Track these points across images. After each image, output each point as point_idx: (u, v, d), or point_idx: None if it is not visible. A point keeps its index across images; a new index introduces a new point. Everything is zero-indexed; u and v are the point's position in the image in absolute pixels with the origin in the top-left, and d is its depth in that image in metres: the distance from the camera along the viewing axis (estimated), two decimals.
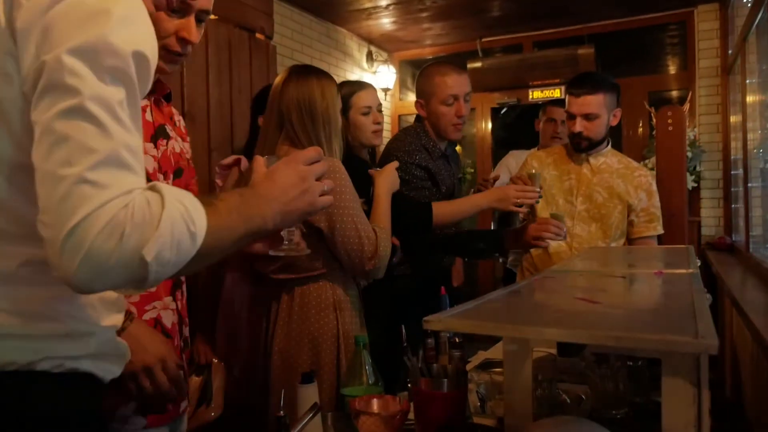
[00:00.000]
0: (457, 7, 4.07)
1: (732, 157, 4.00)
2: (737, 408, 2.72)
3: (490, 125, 5.13)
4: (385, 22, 4.40)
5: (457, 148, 5.74)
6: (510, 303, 0.91)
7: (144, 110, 1.22)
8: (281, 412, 1.15)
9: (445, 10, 4.13)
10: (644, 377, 1.24)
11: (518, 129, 3.86)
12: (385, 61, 5.04)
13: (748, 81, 3.40)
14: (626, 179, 2.19)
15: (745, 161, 3.46)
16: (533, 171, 2.10)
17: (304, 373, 1.34)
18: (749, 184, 3.43)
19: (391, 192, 1.84)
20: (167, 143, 1.28)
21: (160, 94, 1.30)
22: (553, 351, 1.29)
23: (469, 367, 1.60)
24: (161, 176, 1.23)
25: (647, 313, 0.84)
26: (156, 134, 1.25)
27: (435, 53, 5.06)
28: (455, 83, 2.26)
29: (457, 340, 1.40)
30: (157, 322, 1.22)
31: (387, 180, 1.82)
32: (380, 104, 2.19)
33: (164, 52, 1.16)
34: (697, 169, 4.17)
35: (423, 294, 2.26)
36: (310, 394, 1.31)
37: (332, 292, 1.70)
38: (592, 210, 2.18)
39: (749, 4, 3.34)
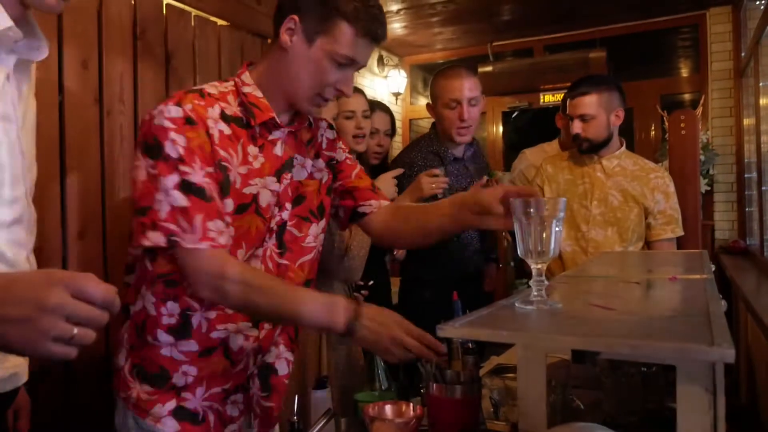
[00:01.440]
0: (468, 11, 4.07)
1: (745, 160, 3.97)
2: (752, 413, 2.69)
3: (501, 129, 5.12)
4: (396, 27, 4.41)
5: None
6: (525, 309, 0.92)
7: (274, 144, 1.25)
8: (295, 417, 1.16)
9: (455, 15, 4.14)
10: (659, 383, 1.23)
11: (529, 132, 3.85)
12: (396, 66, 5.06)
13: (761, 83, 3.38)
14: (642, 181, 2.17)
15: (759, 164, 3.43)
16: (498, 173, 2.16)
17: (317, 378, 1.35)
18: (763, 188, 3.40)
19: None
20: (290, 175, 1.29)
21: (298, 126, 1.31)
22: (567, 356, 1.29)
23: (482, 372, 1.60)
24: (276, 209, 1.26)
25: (662, 321, 0.84)
26: (282, 168, 1.27)
27: (446, 57, 5.07)
28: (457, 87, 2.27)
29: (470, 345, 1.41)
30: (223, 343, 1.25)
31: (386, 189, 1.87)
32: (366, 110, 2.18)
33: (318, 98, 1.24)
34: (711, 172, 4.14)
35: (438, 299, 2.27)
36: (323, 400, 1.31)
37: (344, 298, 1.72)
38: (607, 214, 2.17)
39: (762, 7, 3.32)
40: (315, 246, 1.36)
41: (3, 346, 0.64)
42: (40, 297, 0.62)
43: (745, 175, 4.02)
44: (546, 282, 0.92)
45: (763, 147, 3.40)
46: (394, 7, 3.99)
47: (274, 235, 1.28)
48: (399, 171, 2.09)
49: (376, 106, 2.49)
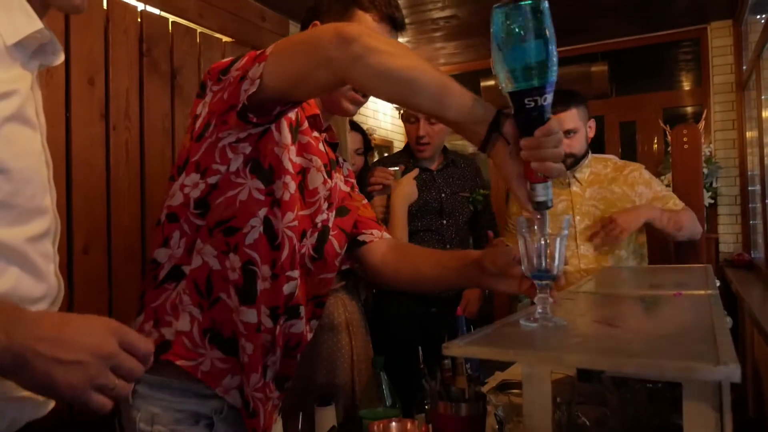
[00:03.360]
0: (471, 26, 4.10)
1: (749, 173, 3.97)
2: (760, 427, 2.67)
3: None
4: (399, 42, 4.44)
5: None
6: (529, 327, 0.92)
7: (318, 141, 1.26)
8: None
9: (458, 30, 4.17)
10: (664, 399, 1.23)
11: None
12: None
13: (763, 96, 3.39)
14: (619, 182, 2.14)
15: (763, 177, 3.43)
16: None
17: (321, 396, 1.35)
18: (767, 200, 3.40)
19: (408, 202, 1.88)
20: (337, 177, 1.30)
21: (330, 139, 1.33)
22: (572, 373, 1.28)
23: (486, 388, 1.60)
24: (325, 204, 1.24)
25: (667, 338, 0.84)
26: (329, 165, 1.28)
27: (449, 72, 5.09)
28: None
29: (468, 369, 1.39)
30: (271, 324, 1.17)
31: (403, 191, 1.88)
32: (360, 149, 2.32)
33: (352, 92, 1.25)
34: (714, 185, 4.14)
35: (408, 309, 2.27)
36: (327, 417, 1.31)
37: (343, 310, 1.72)
38: (593, 227, 2.13)
39: (762, 21, 3.34)
40: (338, 267, 1.32)
41: (47, 387, 0.63)
42: (96, 344, 0.62)
43: (749, 188, 4.02)
44: (551, 299, 0.93)
45: (766, 159, 3.40)
46: None
47: (317, 234, 1.23)
48: (415, 172, 2.09)
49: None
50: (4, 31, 0.78)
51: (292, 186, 1.15)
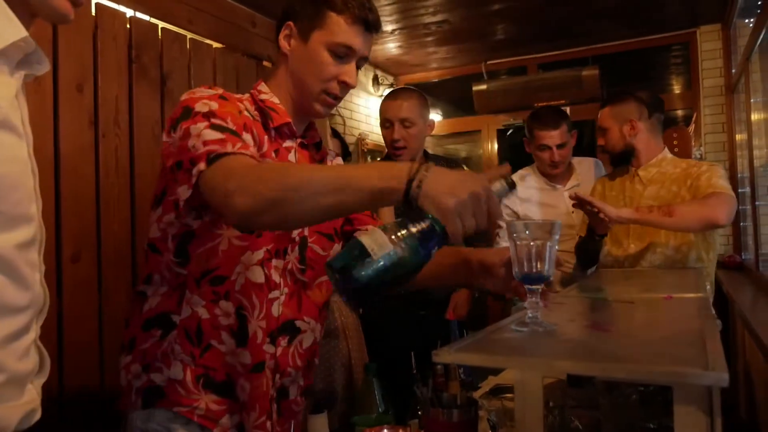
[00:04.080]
0: (462, 30, 4.11)
1: (739, 175, 4.00)
2: (752, 429, 2.68)
3: (496, 146, 5.15)
4: (391, 47, 4.45)
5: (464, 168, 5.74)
6: (521, 332, 0.91)
7: (288, 151, 1.27)
8: None
9: (450, 34, 4.18)
10: (656, 403, 1.23)
11: (524, 150, 3.89)
12: (391, 85, 5.09)
13: (752, 99, 3.41)
14: (678, 182, 2.10)
15: (752, 179, 3.46)
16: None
17: (314, 402, 1.34)
18: (757, 202, 3.42)
19: (393, 205, 1.88)
20: None
21: (310, 141, 1.34)
22: (564, 377, 1.28)
23: (479, 392, 1.59)
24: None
25: (657, 343, 0.84)
26: None
27: (440, 76, 5.11)
28: (389, 107, 2.35)
29: (461, 375, 1.40)
30: (269, 359, 1.22)
31: None
32: (339, 155, 2.26)
33: (323, 95, 1.25)
34: None
35: (392, 312, 2.26)
36: (320, 425, 1.30)
37: (339, 314, 1.71)
38: (644, 225, 2.08)
39: (751, 25, 3.37)
40: None
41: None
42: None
43: (739, 190, 4.04)
44: (541, 304, 0.92)
45: (755, 162, 3.42)
46: (389, 28, 4.03)
47: (297, 248, 1.26)
48: None
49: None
50: None
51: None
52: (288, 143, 1.27)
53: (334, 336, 1.77)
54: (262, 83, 1.30)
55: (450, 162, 2.56)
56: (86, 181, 2.20)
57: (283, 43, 1.25)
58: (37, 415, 0.89)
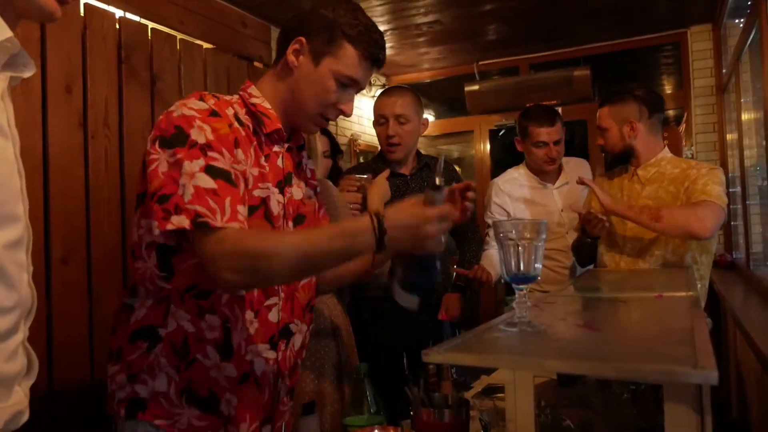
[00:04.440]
0: (454, 31, 4.12)
1: (729, 175, 4.01)
2: (744, 428, 2.69)
3: (488, 147, 5.16)
4: None
5: (457, 169, 5.76)
6: (510, 332, 0.91)
7: (277, 156, 1.28)
8: None
9: (442, 35, 4.18)
10: (648, 401, 1.23)
11: (516, 150, 3.90)
12: (383, 86, 5.09)
13: (743, 99, 3.43)
14: (677, 182, 2.08)
15: (743, 179, 3.47)
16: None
17: (305, 404, 1.33)
18: (747, 202, 3.44)
19: (384, 201, 1.88)
20: (291, 191, 1.31)
21: (295, 143, 1.35)
22: (555, 376, 1.28)
23: (471, 392, 1.59)
24: (283, 222, 1.27)
25: (647, 341, 0.84)
26: (284, 181, 1.29)
27: (433, 77, 5.11)
28: (385, 103, 2.36)
29: (453, 374, 1.39)
30: (251, 366, 1.23)
31: (378, 192, 1.88)
32: (327, 151, 2.26)
33: (319, 117, 1.29)
34: None
35: (377, 318, 2.26)
36: (311, 427, 1.30)
37: (329, 314, 1.70)
38: (642, 227, 2.07)
39: (741, 25, 3.39)
40: None
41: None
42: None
43: (730, 190, 4.06)
44: (528, 303, 0.92)
45: (746, 162, 3.44)
46: (381, 28, 3.99)
47: None
48: (387, 173, 2.08)
49: None
50: None
51: (244, 220, 1.16)
52: (276, 148, 1.28)
53: (323, 336, 1.76)
54: (252, 86, 1.30)
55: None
56: (75, 182, 2.18)
57: (291, 57, 1.25)
58: (25, 417, 0.88)
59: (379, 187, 1.93)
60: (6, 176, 0.82)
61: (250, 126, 1.23)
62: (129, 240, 2.31)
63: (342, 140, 4.64)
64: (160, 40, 2.59)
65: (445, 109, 5.88)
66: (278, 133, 1.27)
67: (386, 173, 2.04)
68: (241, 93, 1.29)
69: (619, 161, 2.22)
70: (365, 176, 2.08)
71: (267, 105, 1.27)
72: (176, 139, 1.09)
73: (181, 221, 1.03)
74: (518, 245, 0.89)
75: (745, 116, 3.43)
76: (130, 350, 1.19)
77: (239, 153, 1.15)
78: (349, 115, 1.31)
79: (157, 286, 1.18)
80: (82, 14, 2.23)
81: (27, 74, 0.91)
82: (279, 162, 1.28)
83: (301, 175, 1.38)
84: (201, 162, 1.07)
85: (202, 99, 1.17)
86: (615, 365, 0.68)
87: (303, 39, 1.24)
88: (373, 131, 5.11)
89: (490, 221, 2.63)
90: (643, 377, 0.67)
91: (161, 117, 1.15)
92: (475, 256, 2.59)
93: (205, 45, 2.90)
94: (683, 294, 1.25)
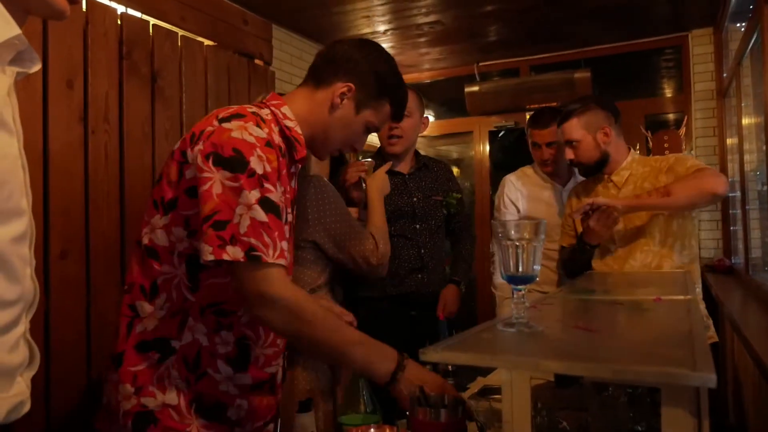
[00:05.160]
0: (454, 32, 4.11)
1: (729, 180, 4.02)
2: None
3: (488, 148, 5.16)
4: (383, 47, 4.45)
5: (455, 170, 5.76)
6: (508, 332, 0.91)
7: (292, 177, 1.33)
8: None
9: (442, 35, 4.18)
10: (645, 404, 1.23)
11: (516, 152, 3.91)
12: None
13: (743, 104, 3.43)
14: (650, 178, 2.09)
15: (743, 183, 3.47)
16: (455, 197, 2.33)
17: (301, 401, 1.33)
18: (747, 207, 3.43)
19: (383, 195, 1.89)
20: (292, 211, 1.36)
21: (301, 164, 1.38)
22: (552, 378, 1.27)
23: (467, 393, 1.59)
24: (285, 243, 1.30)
25: (645, 344, 0.84)
26: (293, 201, 1.35)
27: (433, 77, 5.11)
28: None
29: (449, 368, 1.40)
30: (273, 377, 1.30)
31: (378, 184, 1.89)
32: None
33: (337, 151, 1.41)
34: None
35: (371, 316, 2.25)
36: (307, 424, 1.29)
37: None
38: (628, 226, 2.10)
39: (742, 29, 3.39)
40: None
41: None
42: None
43: (729, 194, 4.06)
44: (527, 303, 0.92)
45: (746, 166, 3.44)
46: (381, 28, 4.02)
47: None
48: (388, 166, 2.08)
49: None
50: None
51: (288, 256, 1.20)
52: (293, 169, 1.34)
53: None
54: (286, 106, 1.31)
55: (438, 162, 2.57)
56: (75, 177, 2.18)
57: (336, 100, 1.31)
58: (26, 408, 0.88)
59: (378, 180, 1.93)
60: (11, 171, 0.83)
61: (282, 149, 1.25)
62: (128, 235, 2.31)
63: None
64: (161, 36, 2.59)
65: (444, 110, 5.88)
66: (302, 159, 1.32)
67: (387, 166, 2.04)
68: (273, 109, 1.29)
69: (593, 171, 2.20)
70: (369, 160, 2.09)
71: (299, 131, 1.30)
72: (236, 163, 1.10)
73: (236, 253, 1.06)
74: (517, 245, 0.88)
75: (745, 121, 3.43)
76: (136, 360, 1.19)
77: (280, 184, 1.19)
78: (358, 151, 1.47)
79: (182, 296, 1.18)
80: (84, 9, 2.23)
81: (33, 70, 0.91)
82: (293, 183, 1.33)
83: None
84: (257, 194, 1.10)
85: (259, 125, 1.18)
86: (613, 367, 0.68)
87: (353, 86, 1.31)
88: None
89: (503, 216, 2.65)
90: (642, 379, 0.67)
91: (212, 130, 1.14)
92: (470, 255, 2.60)
93: (206, 42, 2.89)
94: (681, 297, 1.25)
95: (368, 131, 1.39)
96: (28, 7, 0.86)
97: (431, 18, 3.84)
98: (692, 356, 0.70)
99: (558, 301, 1.29)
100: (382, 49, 1.41)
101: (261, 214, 1.08)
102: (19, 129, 0.88)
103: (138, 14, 2.53)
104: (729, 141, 4.02)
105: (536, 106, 4.61)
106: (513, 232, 0.88)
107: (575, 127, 2.15)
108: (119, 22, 2.38)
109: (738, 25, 3.72)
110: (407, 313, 2.27)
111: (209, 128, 1.14)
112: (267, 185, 1.11)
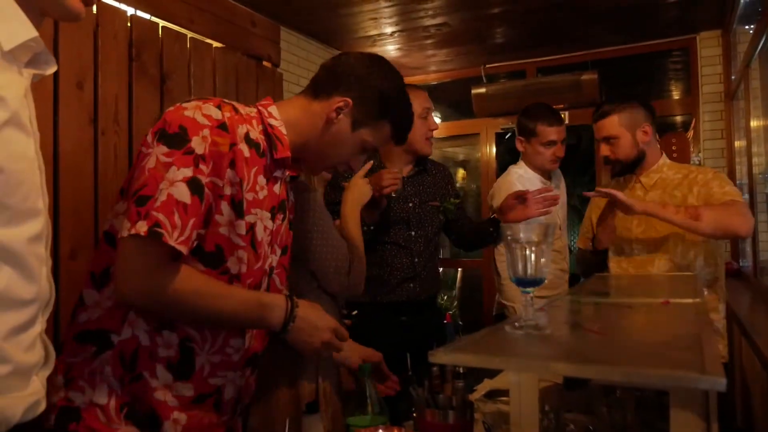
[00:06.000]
0: (461, 34, 4.12)
1: (737, 182, 4.00)
2: None
3: (494, 150, 5.16)
4: (390, 49, 4.45)
5: (461, 172, 5.74)
6: (516, 334, 0.91)
7: (276, 181, 1.26)
8: None
9: (449, 37, 4.18)
10: (652, 407, 1.23)
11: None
12: None
13: (752, 106, 3.41)
14: (682, 188, 2.05)
15: (751, 186, 3.46)
16: (453, 202, 2.29)
17: (308, 403, 1.34)
18: (755, 210, 3.42)
19: (360, 205, 1.79)
20: (284, 219, 1.30)
21: (292, 173, 1.35)
22: (560, 380, 1.28)
23: (475, 395, 1.59)
24: (269, 248, 1.25)
25: (654, 347, 0.84)
26: (278, 207, 1.27)
27: (439, 79, 5.11)
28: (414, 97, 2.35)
29: (460, 370, 1.40)
30: (218, 391, 1.20)
31: (353, 194, 1.79)
32: None
33: (331, 167, 1.42)
34: None
35: (365, 323, 2.21)
36: (314, 425, 1.30)
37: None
38: (648, 231, 2.08)
39: (751, 31, 3.37)
40: None
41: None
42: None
43: None
44: (535, 306, 0.92)
45: (754, 169, 3.43)
46: (389, 30, 4.03)
47: (266, 278, 1.26)
48: (367, 167, 2.00)
49: None
50: (2, 37, 0.78)
51: (245, 256, 1.17)
52: (278, 173, 1.26)
53: None
54: (273, 106, 1.27)
55: (437, 165, 2.46)
56: (85, 178, 2.19)
57: (332, 114, 1.26)
58: (42, 407, 0.89)
59: (353, 190, 1.80)
60: (29, 172, 0.84)
61: (261, 146, 1.20)
62: None
63: None
64: (170, 38, 2.61)
65: (451, 112, 5.88)
66: (285, 161, 1.25)
67: (367, 167, 1.89)
68: (259, 108, 1.26)
69: (627, 170, 2.17)
70: (397, 170, 2.08)
71: (283, 131, 1.25)
72: (177, 139, 1.07)
73: (141, 227, 1.01)
74: (525, 248, 0.89)
75: (753, 123, 3.42)
76: (72, 350, 1.13)
77: (232, 174, 1.12)
78: (355, 170, 1.50)
79: None
80: (94, 12, 2.25)
81: (49, 72, 0.92)
82: (276, 188, 1.26)
83: (289, 205, 1.37)
84: (188, 172, 1.05)
85: (219, 107, 1.14)
86: (622, 369, 0.68)
87: (350, 102, 1.26)
88: None
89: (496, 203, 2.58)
90: (651, 382, 0.67)
91: (172, 109, 1.13)
92: (472, 223, 2.50)
93: (215, 44, 2.91)
94: (690, 300, 1.25)
95: (365, 150, 1.33)
96: (43, 9, 0.87)
97: (438, 20, 3.85)
98: (701, 359, 0.70)
99: (566, 304, 1.29)
100: (390, 67, 1.35)
101: (183, 193, 1.04)
102: (36, 130, 0.89)
103: (147, 16, 2.54)
104: (737, 144, 4.00)
105: None
106: (522, 234, 0.88)
107: (615, 124, 2.12)
108: (129, 25, 2.40)
109: (746, 27, 3.70)
110: (398, 319, 2.24)
111: (172, 108, 1.13)
112: (201, 166, 1.07)
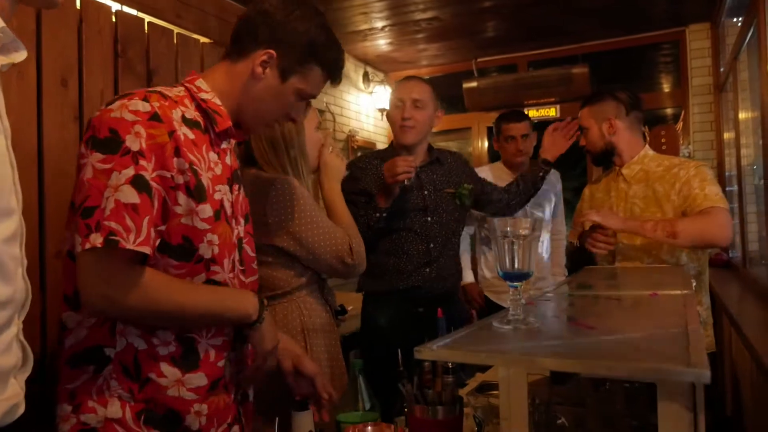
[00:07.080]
0: (452, 28, 4.11)
1: (726, 174, 4.02)
2: (738, 426, 2.70)
3: (486, 144, 5.16)
4: (381, 44, 4.44)
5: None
6: (504, 329, 0.91)
7: (226, 153, 1.24)
8: None
9: (440, 31, 4.17)
10: (642, 399, 1.23)
11: None
12: (381, 82, 5.08)
13: (740, 98, 3.43)
14: (664, 181, 2.07)
15: (740, 177, 3.48)
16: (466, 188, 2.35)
17: (299, 399, 1.33)
18: (744, 201, 3.44)
19: (338, 180, 1.78)
20: (239, 189, 1.29)
21: (238, 139, 1.33)
22: (548, 374, 1.27)
23: (466, 389, 1.59)
24: (233, 221, 1.23)
25: (641, 340, 0.84)
26: (232, 178, 1.25)
27: (431, 73, 5.10)
28: (403, 87, 2.41)
29: (449, 365, 1.39)
30: (225, 372, 1.21)
31: (327, 176, 1.77)
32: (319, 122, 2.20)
33: (272, 123, 1.35)
34: None
35: (379, 311, 2.26)
36: (304, 421, 1.29)
37: (299, 314, 1.67)
38: (632, 237, 2.08)
39: (739, 24, 3.39)
40: (256, 269, 1.37)
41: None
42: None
43: (726, 189, 4.06)
44: (523, 301, 0.92)
45: (743, 160, 3.44)
46: (380, 24, 4.01)
47: (236, 250, 1.24)
48: (334, 150, 1.97)
49: None
50: None
51: (216, 239, 1.15)
52: (224, 145, 1.24)
53: (291, 336, 1.74)
54: (200, 79, 1.23)
55: (453, 155, 2.51)
56: (70, 176, 2.15)
57: (258, 69, 1.21)
58: (21, 410, 0.87)
59: (325, 169, 1.76)
60: (0, 169, 0.81)
61: (201, 123, 1.18)
62: None
63: (340, 136, 4.63)
64: (156, 33, 2.58)
65: (443, 106, 5.85)
66: (229, 131, 1.23)
67: (333, 151, 1.85)
68: (187, 86, 1.22)
69: (601, 160, 2.24)
70: (411, 157, 2.16)
71: (217, 101, 1.21)
72: (110, 144, 1.03)
73: (96, 239, 0.98)
74: (513, 242, 0.88)
75: (742, 115, 3.44)
76: (70, 376, 1.11)
77: (180, 162, 1.09)
78: (296, 122, 1.42)
79: None
80: (78, 7, 2.22)
81: (19, 58, 0.89)
82: (227, 159, 1.24)
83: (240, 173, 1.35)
84: (130, 171, 1.02)
85: (146, 99, 1.09)
86: (608, 363, 0.68)
87: (273, 53, 1.21)
88: (370, 127, 5.09)
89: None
90: (636, 375, 0.67)
91: (97, 114, 1.09)
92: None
93: (202, 39, 2.88)
94: (678, 292, 1.25)
95: (302, 98, 1.29)
96: None
97: (429, 14, 3.84)
98: (687, 352, 0.70)
99: (554, 298, 1.29)
100: (308, 6, 1.27)
101: (129, 195, 1.01)
102: (6, 125, 0.86)
103: (133, 12, 2.51)
104: (726, 135, 4.02)
105: (534, 101, 4.61)
106: (509, 228, 0.88)
107: (585, 116, 2.22)
108: (114, 20, 2.37)
109: (735, 19, 3.72)
110: (414, 310, 2.25)
111: (98, 112, 1.09)
112: (142, 162, 1.03)
